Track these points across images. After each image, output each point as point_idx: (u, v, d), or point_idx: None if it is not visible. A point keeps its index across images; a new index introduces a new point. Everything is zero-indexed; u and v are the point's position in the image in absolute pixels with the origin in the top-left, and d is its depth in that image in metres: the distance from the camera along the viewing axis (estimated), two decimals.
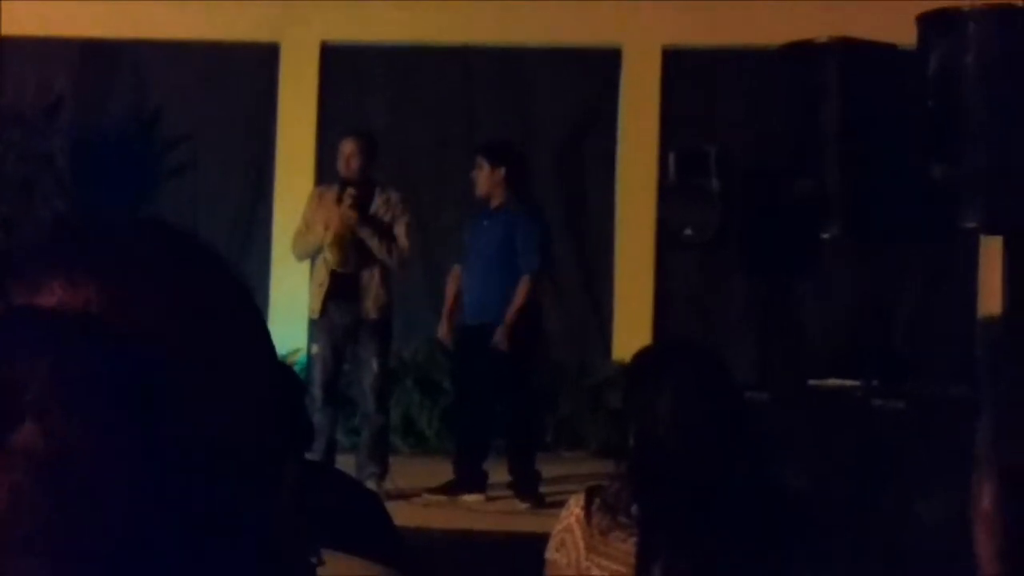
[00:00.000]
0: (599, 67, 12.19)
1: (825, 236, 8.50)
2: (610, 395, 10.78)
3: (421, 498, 9.06)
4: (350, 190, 9.23)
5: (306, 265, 9.85)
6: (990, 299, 9.30)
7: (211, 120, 12.26)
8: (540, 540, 3.74)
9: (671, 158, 11.07)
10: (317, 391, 9.00)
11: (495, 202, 9.47)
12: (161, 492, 0.82)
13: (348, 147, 9.41)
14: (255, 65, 12.41)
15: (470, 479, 9.22)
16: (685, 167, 10.81)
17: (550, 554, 3.60)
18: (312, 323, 9.44)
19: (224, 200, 12.31)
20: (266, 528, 0.86)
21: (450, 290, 9.69)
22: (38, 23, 12.10)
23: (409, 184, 10.44)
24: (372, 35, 12.21)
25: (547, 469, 9.42)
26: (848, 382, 7.87)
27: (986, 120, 7.59)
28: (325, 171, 10.86)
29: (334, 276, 9.20)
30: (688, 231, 10.70)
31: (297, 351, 10.46)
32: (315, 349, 9.33)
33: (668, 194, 11.15)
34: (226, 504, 0.84)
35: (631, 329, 11.47)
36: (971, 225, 7.89)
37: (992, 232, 8.24)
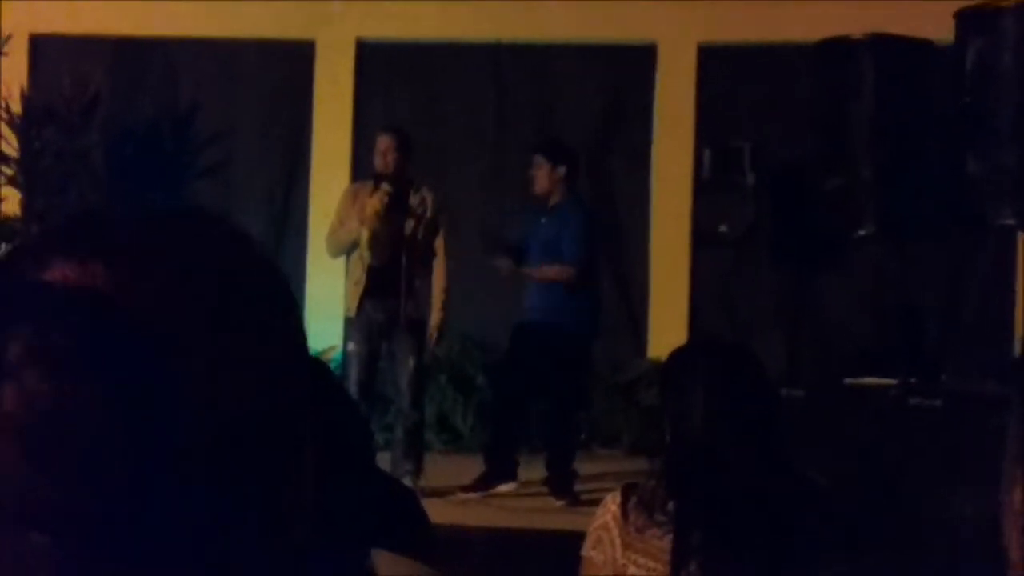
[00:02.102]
0: (633, 64, 12.18)
1: (859, 233, 8.48)
2: (644, 393, 10.76)
3: (455, 496, 9.07)
4: (385, 185, 9.25)
5: (341, 262, 9.86)
6: None
7: (246, 118, 12.29)
8: (575, 537, 3.75)
9: (706, 155, 11.09)
10: (353, 388, 9.01)
11: (553, 200, 9.50)
12: (147, 466, 0.81)
13: (384, 142, 9.44)
14: (290, 62, 12.43)
15: (501, 469, 9.23)
16: (720, 164, 10.83)
17: (586, 551, 3.60)
18: (347, 321, 9.45)
19: (259, 198, 12.34)
20: (269, 511, 0.86)
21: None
22: (73, 22, 12.15)
23: (440, 180, 10.43)
24: (406, 32, 12.22)
25: (582, 467, 9.42)
26: (884, 380, 7.85)
27: (1023, 116, 7.55)
28: (360, 168, 10.89)
29: (371, 273, 9.21)
30: (723, 227, 10.70)
31: (332, 348, 10.47)
32: (351, 347, 9.35)
33: (703, 190, 11.17)
34: (221, 485, 0.84)
35: (666, 326, 11.46)
36: (1007, 222, 7.86)
37: None
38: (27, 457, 0.80)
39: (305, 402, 0.90)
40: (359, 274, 9.26)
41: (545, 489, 9.19)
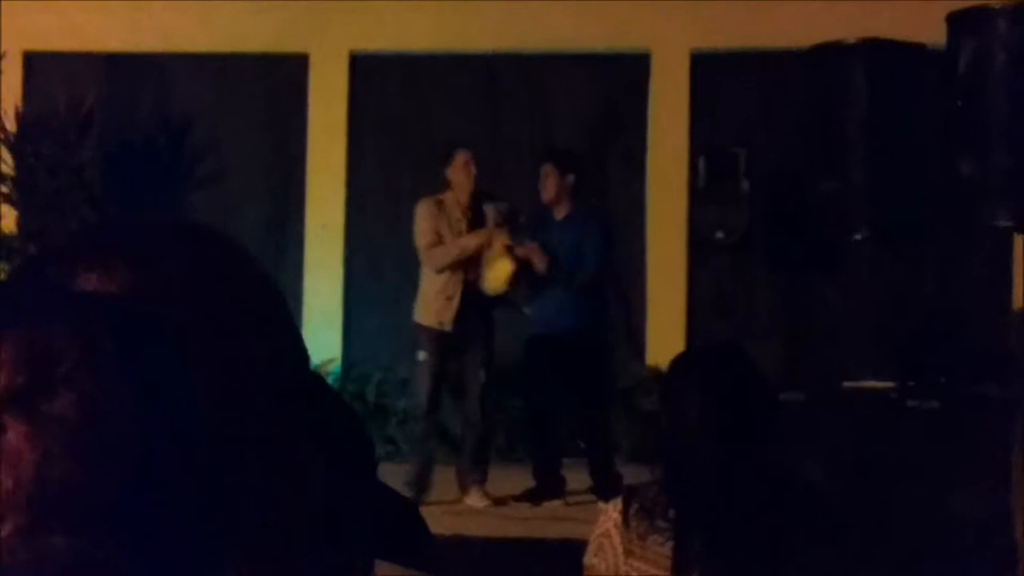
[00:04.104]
0: (627, 72, 12.20)
1: (855, 237, 8.49)
2: (643, 399, 10.78)
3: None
4: (500, 206, 9.35)
5: (339, 273, 9.84)
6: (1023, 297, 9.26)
7: (241, 131, 12.30)
8: (577, 545, 3.75)
9: (701, 161, 11.11)
10: (423, 399, 9.08)
11: (562, 210, 9.52)
12: (184, 467, 0.84)
13: (465, 156, 9.45)
14: (285, 75, 12.45)
15: (550, 485, 9.29)
16: (715, 170, 10.85)
17: (588, 559, 3.61)
18: (426, 331, 9.29)
19: (255, 210, 12.35)
20: (268, 513, 0.89)
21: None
22: (67, 38, 12.16)
23: (436, 191, 10.42)
24: (399, 44, 12.24)
25: (581, 475, 9.44)
26: (882, 383, 7.86)
27: (1016, 118, 7.57)
28: (356, 180, 10.90)
29: (468, 289, 9.19)
30: (719, 233, 10.72)
31: (331, 361, 10.46)
32: (423, 356, 9.26)
33: (698, 197, 11.19)
34: (240, 482, 0.87)
35: (664, 332, 11.47)
36: (1003, 224, 7.87)
37: None
38: (76, 460, 0.82)
39: (304, 409, 0.93)
40: (453, 288, 9.21)
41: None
